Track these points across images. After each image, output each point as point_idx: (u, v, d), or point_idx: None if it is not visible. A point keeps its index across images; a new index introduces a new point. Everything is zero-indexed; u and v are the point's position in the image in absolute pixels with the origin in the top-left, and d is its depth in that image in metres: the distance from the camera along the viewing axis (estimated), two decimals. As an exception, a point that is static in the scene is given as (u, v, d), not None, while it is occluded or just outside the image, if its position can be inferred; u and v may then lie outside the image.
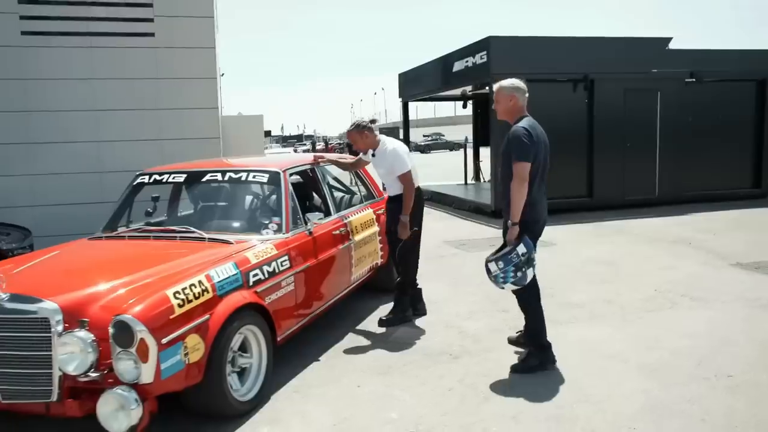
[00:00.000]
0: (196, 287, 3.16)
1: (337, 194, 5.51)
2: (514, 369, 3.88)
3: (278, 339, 3.78)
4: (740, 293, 5.40)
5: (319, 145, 43.30)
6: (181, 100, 7.49)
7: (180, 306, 3.01)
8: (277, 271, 3.79)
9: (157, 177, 4.62)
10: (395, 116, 70.20)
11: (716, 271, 6.23)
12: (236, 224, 4.30)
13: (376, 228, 5.32)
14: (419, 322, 4.94)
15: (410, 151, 5.17)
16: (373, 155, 4.92)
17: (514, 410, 3.36)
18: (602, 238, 8.22)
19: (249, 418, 3.38)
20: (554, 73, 10.12)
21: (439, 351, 4.29)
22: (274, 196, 4.47)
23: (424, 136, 46.91)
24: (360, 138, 4.87)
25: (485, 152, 12.77)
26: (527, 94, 3.94)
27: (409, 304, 5.00)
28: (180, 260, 3.48)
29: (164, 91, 7.45)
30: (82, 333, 2.83)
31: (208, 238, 3.89)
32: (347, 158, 5.66)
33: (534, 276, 3.85)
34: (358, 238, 4.95)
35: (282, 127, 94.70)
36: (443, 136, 46.76)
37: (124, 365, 2.80)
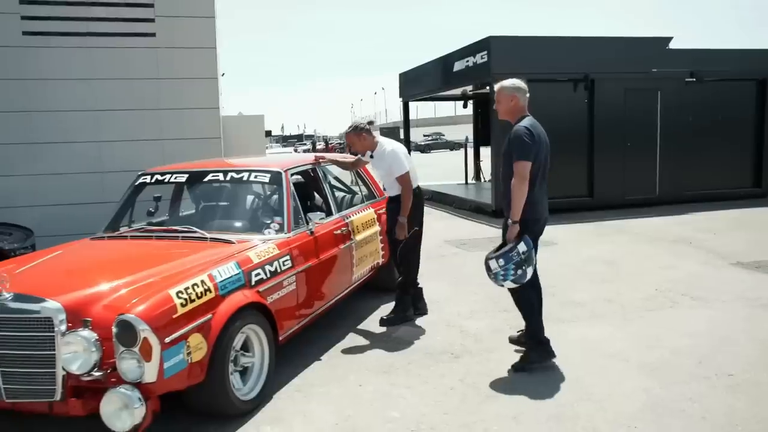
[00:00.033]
0: (198, 287, 3.17)
1: (339, 194, 5.53)
2: (515, 368, 3.90)
3: (280, 338, 3.79)
4: (741, 292, 5.41)
5: (320, 145, 43.30)
6: (182, 100, 7.51)
7: (183, 305, 3.02)
8: (279, 270, 3.80)
9: (159, 177, 4.63)
10: (395, 116, 70.31)
11: (717, 271, 6.24)
12: (238, 224, 4.31)
13: (377, 228, 5.33)
14: (420, 321, 4.95)
15: (411, 150, 5.20)
16: (371, 157, 4.93)
17: (515, 409, 3.37)
18: (603, 238, 8.23)
19: (251, 417, 3.39)
20: (555, 72, 10.13)
21: (440, 350, 4.30)
22: (275, 196, 4.48)
23: (424, 135, 46.88)
24: (358, 140, 4.88)
25: (486, 152, 12.78)
26: (528, 94, 3.95)
27: (411, 304, 5.02)
28: (182, 260, 3.49)
29: (165, 91, 7.47)
30: (85, 332, 2.84)
31: (210, 238, 3.90)
32: (348, 157, 5.67)
33: (536, 275, 3.86)
34: (359, 237, 4.96)
35: (282, 127, 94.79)
36: (444, 135, 46.75)
37: (128, 364, 2.81)
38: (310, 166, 4.98)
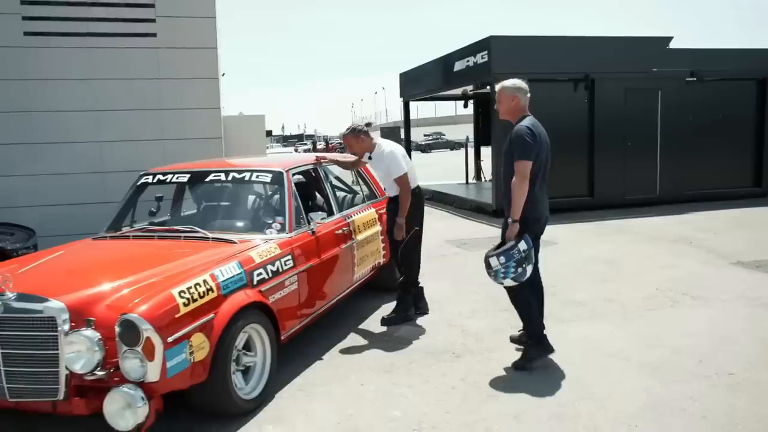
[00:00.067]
0: (200, 286, 3.19)
1: (340, 194, 5.54)
2: (515, 365, 3.92)
3: (282, 338, 3.80)
4: (741, 292, 5.42)
5: (320, 145, 43.32)
6: (183, 101, 7.52)
7: (185, 305, 3.04)
8: (280, 270, 3.81)
9: (161, 177, 4.65)
10: (396, 116, 70.34)
11: (717, 270, 6.25)
12: (240, 224, 4.32)
13: (378, 227, 5.34)
14: (421, 321, 4.96)
15: (412, 150, 5.21)
16: (370, 158, 4.94)
17: (517, 408, 3.38)
18: (603, 237, 8.24)
19: (253, 416, 3.41)
20: (555, 72, 10.14)
21: (441, 350, 4.31)
22: (277, 196, 4.49)
23: (425, 135, 46.92)
24: (356, 142, 4.89)
25: (486, 152, 12.78)
26: (529, 94, 3.97)
27: (412, 303, 5.03)
28: (184, 260, 3.50)
29: (166, 92, 7.48)
30: (88, 332, 2.85)
31: (212, 238, 3.92)
32: (348, 157, 5.68)
33: (538, 274, 3.87)
34: (360, 237, 4.97)
35: (283, 127, 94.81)
36: (444, 135, 46.77)
37: (131, 364, 2.83)
38: (311, 166, 4.99)
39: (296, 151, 35.70)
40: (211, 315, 3.18)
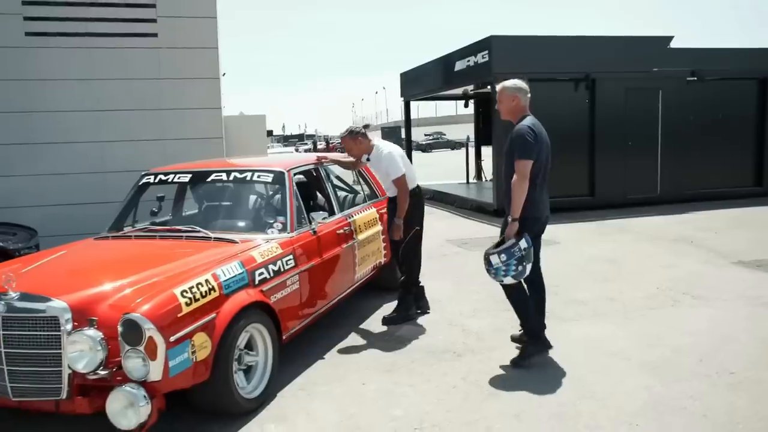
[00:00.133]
0: (202, 286, 3.19)
1: (341, 193, 5.55)
2: (514, 362, 3.94)
3: (284, 337, 3.81)
4: (742, 291, 5.43)
5: (320, 145, 43.33)
6: (184, 100, 7.52)
7: (187, 304, 3.04)
8: (282, 269, 3.82)
9: (163, 177, 4.65)
10: (396, 115, 70.35)
11: (718, 270, 6.25)
12: (241, 224, 4.33)
13: (379, 227, 5.35)
14: (422, 320, 4.97)
15: (412, 150, 5.22)
16: (368, 160, 4.95)
17: (518, 407, 3.39)
18: (604, 237, 8.25)
19: (255, 415, 3.41)
20: (556, 72, 10.14)
21: (442, 349, 4.32)
22: (278, 196, 4.50)
23: (425, 135, 46.92)
24: (354, 144, 4.90)
25: (487, 151, 12.79)
26: (529, 94, 3.98)
27: (413, 303, 5.03)
28: (186, 259, 3.51)
29: (167, 92, 7.48)
30: (91, 331, 2.86)
31: (214, 238, 3.92)
32: (349, 157, 5.68)
33: (539, 274, 3.87)
34: (361, 237, 4.98)
35: (283, 127, 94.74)
36: (445, 135, 46.78)
37: (133, 363, 2.84)
38: (312, 166, 4.99)
39: (297, 150, 35.71)
40: (213, 314, 3.19)
